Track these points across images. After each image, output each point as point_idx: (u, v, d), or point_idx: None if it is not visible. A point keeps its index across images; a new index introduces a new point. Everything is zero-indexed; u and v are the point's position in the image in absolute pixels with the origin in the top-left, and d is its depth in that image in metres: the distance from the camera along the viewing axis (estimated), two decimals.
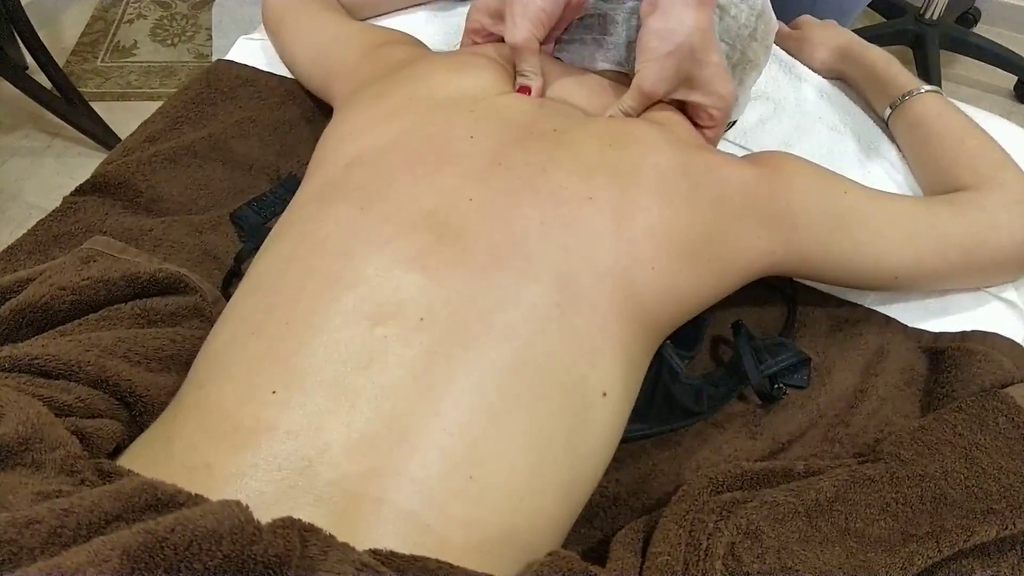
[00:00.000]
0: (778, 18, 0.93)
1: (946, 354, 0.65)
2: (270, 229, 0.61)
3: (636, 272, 0.54)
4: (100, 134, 1.81)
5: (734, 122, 0.83)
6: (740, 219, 0.59)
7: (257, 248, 0.60)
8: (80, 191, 0.76)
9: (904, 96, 0.78)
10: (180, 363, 0.56)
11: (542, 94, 0.67)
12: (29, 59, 1.80)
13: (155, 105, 0.88)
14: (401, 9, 0.93)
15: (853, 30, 2.06)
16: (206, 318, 0.61)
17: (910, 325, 0.69)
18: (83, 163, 1.81)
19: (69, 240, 0.71)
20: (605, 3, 0.71)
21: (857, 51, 0.84)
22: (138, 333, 0.57)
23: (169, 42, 2.14)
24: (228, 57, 0.90)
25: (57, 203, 0.75)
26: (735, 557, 0.46)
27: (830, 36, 0.88)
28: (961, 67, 1.99)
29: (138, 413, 0.53)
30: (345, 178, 0.57)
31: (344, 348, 0.47)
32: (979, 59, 1.91)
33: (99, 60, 2.07)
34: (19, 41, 1.73)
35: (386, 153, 0.57)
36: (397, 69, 0.67)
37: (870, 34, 1.98)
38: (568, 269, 0.52)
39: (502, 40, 0.69)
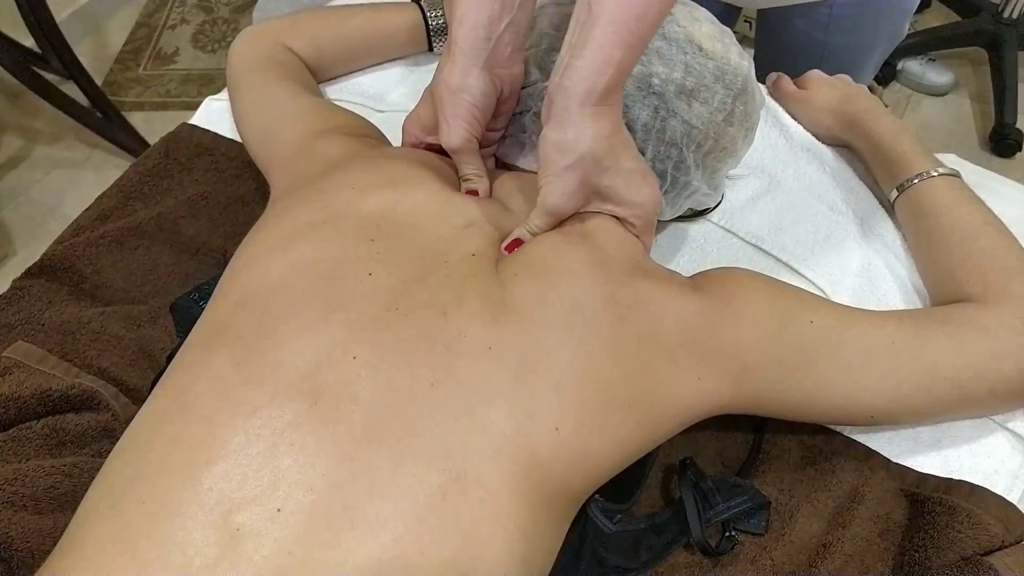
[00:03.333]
0: (784, 72, 0.83)
1: (927, 508, 0.56)
2: None
3: (537, 437, 0.47)
4: (135, 147, 1.83)
5: (717, 204, 0.74)
6: (675, 359, 0.52)
7: None
8: (29, 273, 0.75)
9: (912, 180, 0.68)
10: (74, 500, 0.54)
11: (490, 194, 0.63)
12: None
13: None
14: (374, 65, 0.88)
15: (926, 31, 1.89)
16: (115, 438, 0.58)
17: (894, 460, 0.60)
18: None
19: (8, 333, 0.70)
20: (528, 96, 0.64)
21: (864, 122, 0.73)
22: (34, 467, 0.55)
23: (209, 48, 2.14)
24: (193, 120, 0.86)
25: None
26: None
27: (838, 99, 0.76)
28: None
29: (16, 565, 0.51)
30: (230, 320, 0.52)
31: (195, 541, 0.42)
32: None
33: (141, 68, 2.10)
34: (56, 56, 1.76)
35: (274, 293, 0.52)
36: (324, 172, 0.61)
37: (943, 34, 1.82)
38: (457, 442, 0.46)
39: (441, 150, 0.63)
